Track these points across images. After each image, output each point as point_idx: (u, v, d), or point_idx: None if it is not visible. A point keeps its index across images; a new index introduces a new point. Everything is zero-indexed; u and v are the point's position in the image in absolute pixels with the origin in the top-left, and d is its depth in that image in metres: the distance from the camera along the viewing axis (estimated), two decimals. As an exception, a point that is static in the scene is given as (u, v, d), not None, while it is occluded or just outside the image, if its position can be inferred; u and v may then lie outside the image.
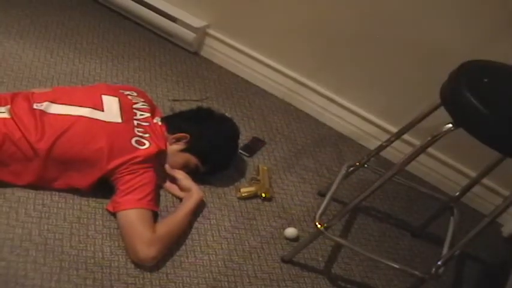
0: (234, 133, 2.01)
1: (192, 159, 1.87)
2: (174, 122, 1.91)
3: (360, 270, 1.88)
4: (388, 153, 2.19)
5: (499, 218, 1.65)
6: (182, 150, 1.86)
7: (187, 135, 1.85)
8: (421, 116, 1.69)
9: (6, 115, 1.64)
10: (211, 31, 2.67)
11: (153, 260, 1.59)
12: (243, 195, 1.96)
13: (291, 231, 1.88)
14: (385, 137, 2.07)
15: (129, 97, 1.90)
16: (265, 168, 2.11)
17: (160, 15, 2.66)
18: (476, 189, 2.03)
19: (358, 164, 2.00)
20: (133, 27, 2.76)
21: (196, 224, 1.80)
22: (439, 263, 1.63)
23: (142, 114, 1.85)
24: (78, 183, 1.71)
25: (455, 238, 1.80)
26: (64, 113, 1.69)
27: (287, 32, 2.48)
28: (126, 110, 1.81)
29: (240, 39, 2.61)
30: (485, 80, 1.44)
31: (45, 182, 1.69)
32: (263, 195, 1.98)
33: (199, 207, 1.83)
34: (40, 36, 2.46)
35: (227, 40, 2.64)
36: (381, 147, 1.91)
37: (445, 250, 1.73)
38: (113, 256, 1.59)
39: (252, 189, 1.99)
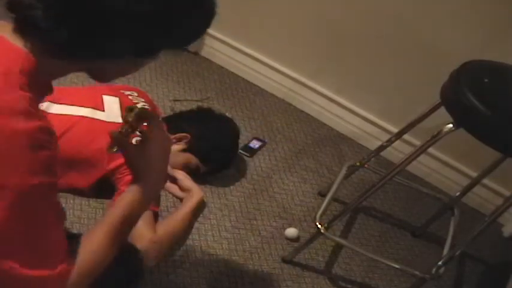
0: (234, 133, 2.01)
1: (193, 159, 1.87)
2: (174, 122, 1.90)
3: (361, 271, 1.88)
4: (388, 153, 2.19)
5: (500, 218, 1.65)
6: (183, 150, 1.86)
7: (188, 135, 1.85)
8: (421, 116, 1.69)
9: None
10: (211, 31, 2.66)
11: (154, 260, 1.59)
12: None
13: (291, 232, 1.88)
14: (385, 137, 2.07)
15: (130, 97, 1.89)
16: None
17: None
18: (477, 189, 2.04)
19: (358, 164, 2.00)
20: (133, 28, 2.76)
21: (196, 224, 1.79)
22: (440, 263, 1.64)
23: (143, 115, 1.85)
24: (78, 183, 1.71)
25: (455, 238, 1.81)
26: (65, 113, 1.68)
27: (288, 32, 2.48)
28: (127, 110, 1.81)
29: (240, 39, 2.61)
30: (486, 80, 1.44)
31: (45, 182, 1.68)
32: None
33: (200, 207, 1.82)
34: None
35: (227, 40, 2.63)
36: (382, 148, 1.91)
37: (445, 250, 1.73)
38: (113, 256, 1.59)
39: None
